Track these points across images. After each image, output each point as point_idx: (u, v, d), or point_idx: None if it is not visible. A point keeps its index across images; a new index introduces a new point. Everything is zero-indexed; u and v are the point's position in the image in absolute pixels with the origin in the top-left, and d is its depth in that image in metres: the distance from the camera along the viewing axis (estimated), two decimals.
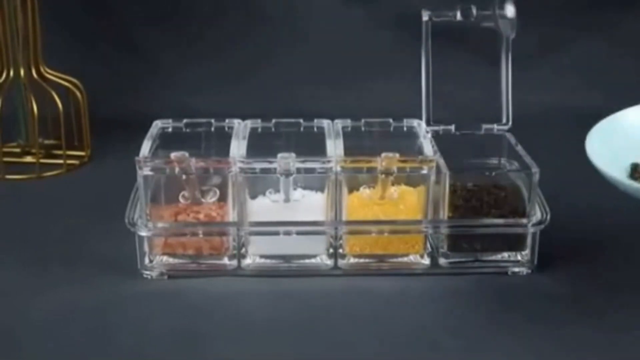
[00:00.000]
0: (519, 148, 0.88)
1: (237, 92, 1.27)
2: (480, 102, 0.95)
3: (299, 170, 0.83)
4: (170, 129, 0.90)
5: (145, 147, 0.85)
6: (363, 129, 0.91)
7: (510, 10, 0.90)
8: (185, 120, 0.90)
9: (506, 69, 0.92)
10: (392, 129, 0.91)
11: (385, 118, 0.92)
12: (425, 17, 0.92)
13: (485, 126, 0.92)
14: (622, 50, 1.30)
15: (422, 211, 0.85)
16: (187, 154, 0.82)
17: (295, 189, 0.85)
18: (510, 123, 0.92)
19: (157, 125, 0.90)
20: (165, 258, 0.86)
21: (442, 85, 0.93)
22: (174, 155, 0.82)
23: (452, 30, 0.92)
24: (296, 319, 0.79)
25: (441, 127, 0.91)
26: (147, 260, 0.85)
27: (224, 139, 0.88)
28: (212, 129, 0.90)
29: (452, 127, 0.91)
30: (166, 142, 0.88)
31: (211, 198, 0.85)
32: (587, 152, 0.78)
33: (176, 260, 0.86)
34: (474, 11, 0.92)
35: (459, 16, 0.92)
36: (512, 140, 0.90)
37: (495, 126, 0.92)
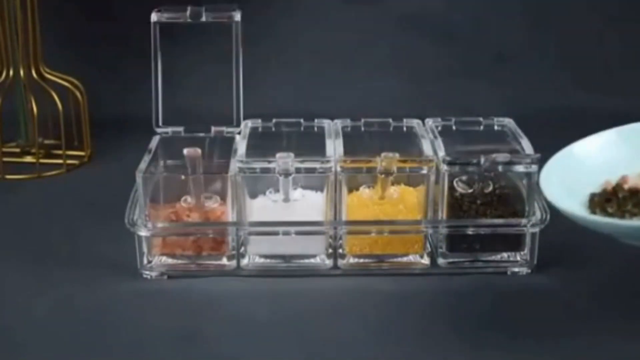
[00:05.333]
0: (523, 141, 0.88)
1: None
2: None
3: (298, 170, 0.84)
4: (169, 135, 0.90)
5: (145, 160, 0.85)
6: (363, 129, 0.91)
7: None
8: (182, 128, 0.90)
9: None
10: (392, 128, 0.91)
11: (385, 118, 0.92)
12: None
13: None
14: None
15: (422, 211, 0.85)
16: (199, 150, 0.83)
17: (295, 188, 0.85)
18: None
19: (155, 139, 0.90)
20: (164, 258, 0.86)
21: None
22: (186, 151, 0.83)
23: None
24: (295, 318, 0.79)
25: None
26: (146, 261, 0.85)
27: (226, 140, 0.88)
28: (212, 134, 0.91)
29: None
30: (167, 149, 0.89)
31: (213, 204, 0.85)
32: (542, 189, 0.72)
33: (176, 261, 0.86)
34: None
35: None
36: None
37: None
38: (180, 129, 0.91)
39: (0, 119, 1.07)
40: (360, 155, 0.85)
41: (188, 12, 0.92)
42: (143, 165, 0.84)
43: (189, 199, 0.85)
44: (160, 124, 0.92)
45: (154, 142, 0.89)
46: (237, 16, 0.91)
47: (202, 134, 0.90)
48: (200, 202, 0.84)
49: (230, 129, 0.91)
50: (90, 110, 1.12)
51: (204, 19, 0.92)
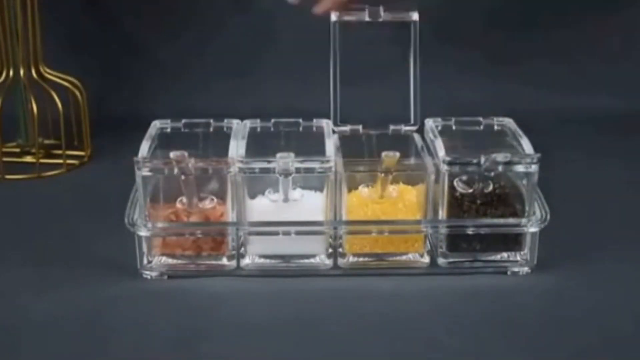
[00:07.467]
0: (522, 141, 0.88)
1: (237, 92, 1.27)
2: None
3: (298, 170, 0.83)
4: (168, 129, 0.90)
5: (144, 148, 0.85)
6: (361, 130, 0.91)
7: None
8: (183, 121, 0.90)
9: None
10: (390, 131, 0.91)
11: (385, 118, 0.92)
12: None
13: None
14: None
15: (421, 210, 0.85)
16: (186, 154, 0.82)
17: (294, 188, 0.85)
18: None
19: (155, 125, 0.90)
20: (164, 258, 0.86)
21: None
22: (173, 154, 0.82)
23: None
24: (295, 318, 0.79)
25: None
26: (146, 261, 0.85)
27: (222, 139, 0.88)
28: (211, 129, 0.90)
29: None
30: (165, 142, 0.88)
31: (208, 204, 0.85)
32: None
33: (176, 261, 0.86)
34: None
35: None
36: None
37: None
38: (180, 123, 0.90)
39: (0, 119, 1.07)
40: (360, 155, 0.85)
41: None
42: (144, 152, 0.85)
43: (184, 199, 0.85)
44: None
45: (153, 129, 0.89)
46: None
47: (199, 129, 0.90)
48: (193, 203, 0.84)
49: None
50: (90, 110, 1.12)
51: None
